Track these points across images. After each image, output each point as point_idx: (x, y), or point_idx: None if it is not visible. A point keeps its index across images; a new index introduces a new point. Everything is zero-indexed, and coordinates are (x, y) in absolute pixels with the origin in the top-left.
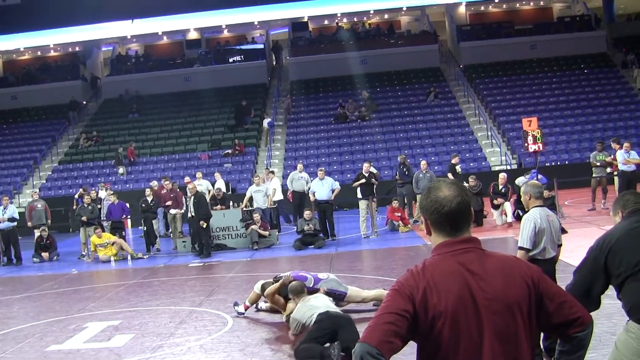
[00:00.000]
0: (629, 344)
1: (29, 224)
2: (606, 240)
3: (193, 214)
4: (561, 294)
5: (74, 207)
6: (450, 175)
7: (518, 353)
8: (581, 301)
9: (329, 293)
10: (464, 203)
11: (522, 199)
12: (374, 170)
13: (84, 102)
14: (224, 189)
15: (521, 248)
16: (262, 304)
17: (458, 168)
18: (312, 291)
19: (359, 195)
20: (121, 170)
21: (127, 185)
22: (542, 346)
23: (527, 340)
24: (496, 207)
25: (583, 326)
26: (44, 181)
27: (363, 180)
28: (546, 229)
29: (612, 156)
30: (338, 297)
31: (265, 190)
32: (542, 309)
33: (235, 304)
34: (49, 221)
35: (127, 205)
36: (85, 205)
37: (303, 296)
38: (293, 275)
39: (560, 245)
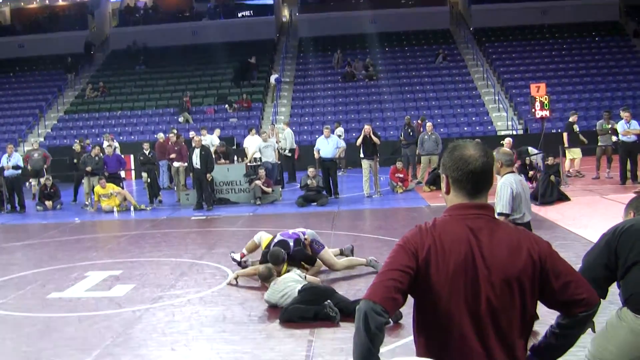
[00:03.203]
0: (618, 332)
1: (29, 167)
2: (619, 226)
3: (198, 166)
4: (569, 272)
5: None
6: (565, 135)
7: (510, 325)
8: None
9: (312, 241)
10: (487, 164)
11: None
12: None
13: (92, 52)
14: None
15: (500, 214)
16: (249, 261)
17: (576, 127)
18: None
19: (362, 155)
20: (182, 118)
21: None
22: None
23: (523, 313)
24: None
25: (588, 307)
26: (49, 130)
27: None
28: (522, 194)
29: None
30: (316, 250)
31: (273, 145)
32: (546, 285)
33: (232, 252)
34: (46, 167)
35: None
36: (93, 156)
37: (273, 279)
38: (282, 235)
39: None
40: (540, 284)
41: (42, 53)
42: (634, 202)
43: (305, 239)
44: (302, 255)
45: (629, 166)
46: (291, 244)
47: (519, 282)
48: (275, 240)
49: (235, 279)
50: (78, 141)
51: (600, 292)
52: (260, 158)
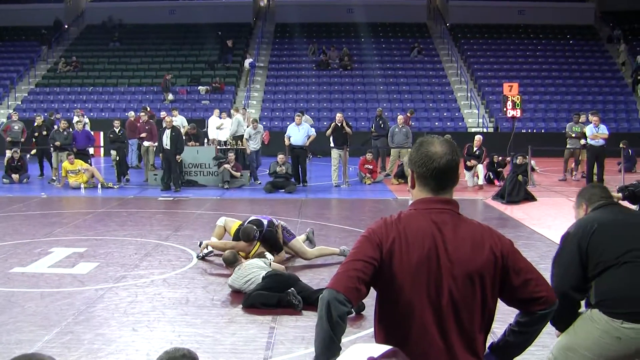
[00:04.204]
0: (591, 333)
1: (8, 139)
2: (587, 226)
3: (168, 147)
4: (529, 270)
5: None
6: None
7: (471, 319)
8: (571, 293)
9: (283, 228)
10: (453, 162)
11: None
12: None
13: (66, 26)
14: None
15: None
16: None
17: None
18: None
19: (332, 144)
20: (166, 97)
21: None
22: None
23: (483, 308)
24: (469, 168)
25: (546, 305)
26: (19, 103)
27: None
28: None
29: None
30: (286, 238)
31: (262, 132)
32: (507, 282)
33: (201, 244)
34: (22, 140)
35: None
36: (61, 131)
37: (238, 264)
38: (255, 216)
39: None
40: (501, 280)
41: (15, 24)
42: (586, 193)
43: (277, 226)
44: (273, 237)
45: (595, 169)
46: (265, 222)
47: (481, 277)
48: (249, 219)
49: (205, 248)
50: (48, 114)
51: (580, 296)
52: (226, 142)
